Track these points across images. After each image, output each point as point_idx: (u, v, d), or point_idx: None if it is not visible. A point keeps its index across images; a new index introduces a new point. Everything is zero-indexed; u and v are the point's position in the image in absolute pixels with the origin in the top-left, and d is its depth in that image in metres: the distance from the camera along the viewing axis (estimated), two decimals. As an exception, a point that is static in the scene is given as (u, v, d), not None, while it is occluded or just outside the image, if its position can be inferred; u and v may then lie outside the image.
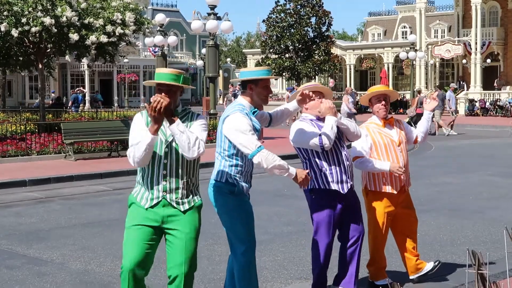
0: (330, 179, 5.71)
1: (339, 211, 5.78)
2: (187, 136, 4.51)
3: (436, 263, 6.52)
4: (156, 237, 4.77)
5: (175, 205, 4.74)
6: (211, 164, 18.12)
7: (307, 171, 5.16)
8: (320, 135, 5.51)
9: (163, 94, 4.59)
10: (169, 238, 4.78)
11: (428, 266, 6.50)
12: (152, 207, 4.73)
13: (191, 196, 4.81)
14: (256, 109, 5.29)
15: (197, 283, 6.61)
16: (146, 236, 4.71)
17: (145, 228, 4.72)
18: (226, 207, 5.23)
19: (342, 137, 5.82)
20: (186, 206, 4.78)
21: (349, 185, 5.79)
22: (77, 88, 44.42)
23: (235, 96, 37.17)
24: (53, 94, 45.96)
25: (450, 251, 7.90)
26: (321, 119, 5.68)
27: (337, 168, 5.71)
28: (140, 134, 4.57)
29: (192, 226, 4.78)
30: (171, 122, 4.54)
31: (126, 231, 4.80)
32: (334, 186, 5.72)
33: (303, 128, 5.67)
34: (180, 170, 4.72)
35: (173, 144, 4.67)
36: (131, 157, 4.61)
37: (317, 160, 5.72)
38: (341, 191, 5.74)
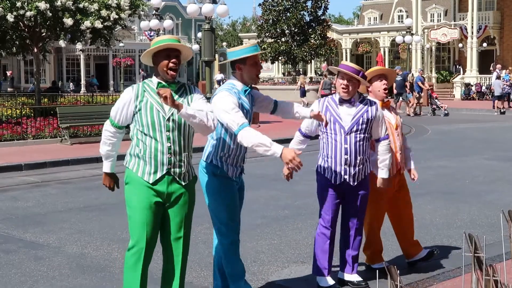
0: (326, 164, 5.68)
1: (339, 192, 5.72)
2: (199, 118, 4.53)
3: (434, 251, 6.52)
4: (160, 212, 4.78)
5: (177, 178, 4.73)
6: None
7: (299, 152, 4.74)
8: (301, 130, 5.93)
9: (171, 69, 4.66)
10: (169, 213, 4.80)
11: (424, 252, 6.50)
12: (156, 182, 4.69)
13: (190, 169, 4.84)
14: (248, 88, 5.10)
15: (193, 266, 6.63)
16: (154, 215, 4.73)
17: (152, 207, 4.70)
18: (210, 188, 5.15)
19: (368, 127, 5.65)
20: (187, 180, 4.80)
21: (343, 178, 5.64)
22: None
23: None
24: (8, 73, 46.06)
25: (446, 235, 7.92)
26: (330, 122, 5.61)
27: (337, 158, 5.62)
28: (117, 106, 4.70)
29: (191, 202, 4.85)
30: (179, 108, 4.47)
31: (133, 211, 4.72)
32: (327, 175, 5.68)
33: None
34: (182, 143, 4.72)
35: (175, 117, 4.65)
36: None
37: (326, 141, 5.71)
38: (332, 182, 5.67)
